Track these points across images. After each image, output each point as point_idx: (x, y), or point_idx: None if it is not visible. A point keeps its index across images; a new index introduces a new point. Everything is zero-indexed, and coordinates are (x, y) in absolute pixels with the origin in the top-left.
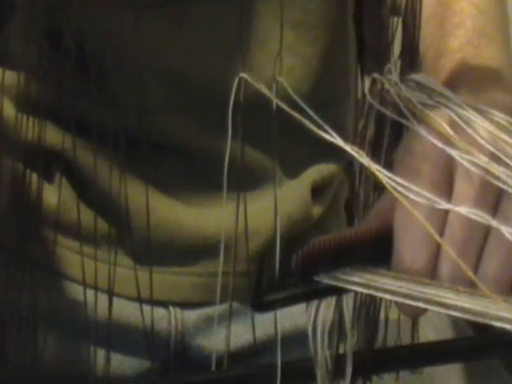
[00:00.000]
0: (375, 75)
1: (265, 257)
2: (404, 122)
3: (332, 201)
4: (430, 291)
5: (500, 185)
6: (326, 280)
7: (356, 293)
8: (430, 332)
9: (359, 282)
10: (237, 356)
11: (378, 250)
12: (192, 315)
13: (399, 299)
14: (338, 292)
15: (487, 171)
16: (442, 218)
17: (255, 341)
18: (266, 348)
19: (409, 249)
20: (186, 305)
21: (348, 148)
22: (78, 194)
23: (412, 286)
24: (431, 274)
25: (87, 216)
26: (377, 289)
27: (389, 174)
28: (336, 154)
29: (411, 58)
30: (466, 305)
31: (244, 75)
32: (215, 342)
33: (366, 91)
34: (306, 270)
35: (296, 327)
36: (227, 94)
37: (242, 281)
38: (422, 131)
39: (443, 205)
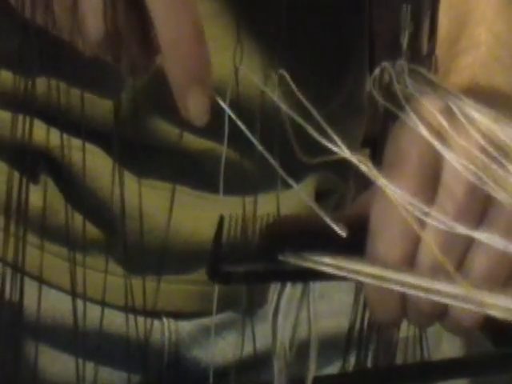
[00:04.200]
0: (384, 64)
1: (224, 220)
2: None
3: (337, 203)
4: (407, 275)
5: (490, 184)
6: (291, 259)
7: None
8: (445, 345)
9: (330, 263)
10: (236, 369)
11: (352, 240)
12: (187, 325)
13: (373, 281)
14: (304, 277)
15: (477, 167)
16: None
17: (255, 352)
18: (268, 360)
19: (384, 238)
20: (180, 314)
21: (354, 159)
22: (65, 196)
23: (389, 270)
24: (408, 266)
25: (75, 219)
26: (349, 271)
27: (396, 189)
28: (341, 161)
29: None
30: (448, 289)
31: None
32: (212, 353)
33: (371, 84)
34: (270, 246)
35: (299, 338)
36: (224, 91)
37: (240, 289)
38: (409, 120)
39: (461, 230)
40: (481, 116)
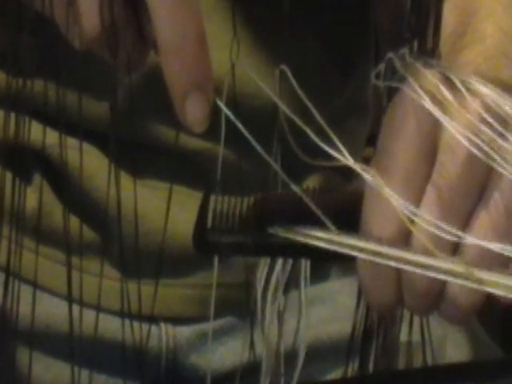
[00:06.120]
0: (389, 55)
1: (211, 189)
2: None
3: None
4: (403, 251)
5: (494, 156)
6: (281, 233)
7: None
8: (451, 350)
9: (321, 236)
10: (235, 376)
11: (346, 216)
12: (185, 331)
13: (367, 257)
14: (295, 254)
15: (477, 137)
16: (419, 191)
17: (255, 358)
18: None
19: (379, 214)
20: (178, 320)
21: (357, 167)
22: (60, 197)
23: (383, 246)
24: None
25: (70, 221)
26: (341, 245)
27: (402, 201)
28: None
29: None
30: (446, 266)
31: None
32: (211, 360)
33: (372, 76)
34: (259, 217)
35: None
36: (221, 89)
37: (240, 293)
38: (410, 90)
39: (467, 239)
40: (484, 88)
